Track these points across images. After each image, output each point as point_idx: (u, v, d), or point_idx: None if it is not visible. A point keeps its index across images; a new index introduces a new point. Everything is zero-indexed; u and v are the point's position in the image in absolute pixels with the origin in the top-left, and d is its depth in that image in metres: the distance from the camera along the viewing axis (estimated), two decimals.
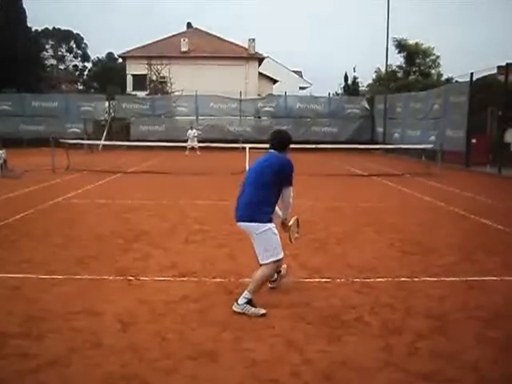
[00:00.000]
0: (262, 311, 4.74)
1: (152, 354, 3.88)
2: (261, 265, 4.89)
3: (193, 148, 25.63)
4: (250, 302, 4.78)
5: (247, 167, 16.22)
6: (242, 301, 4.77)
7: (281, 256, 4.91)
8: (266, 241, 4.80)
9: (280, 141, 5.10)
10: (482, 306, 4.98)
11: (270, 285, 5.32)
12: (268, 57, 44.27)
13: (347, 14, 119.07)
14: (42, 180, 14.38)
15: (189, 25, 47.48)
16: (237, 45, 41.20)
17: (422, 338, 4.21)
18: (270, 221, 4.88)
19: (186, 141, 26.04)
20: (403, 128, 27.53)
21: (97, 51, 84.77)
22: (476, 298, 5.21)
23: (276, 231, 4.89)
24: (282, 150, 5.04)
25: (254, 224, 4.81)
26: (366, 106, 33.04)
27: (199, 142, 25.83)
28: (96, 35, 79.53)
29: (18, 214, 9.29)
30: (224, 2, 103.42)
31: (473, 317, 4.69)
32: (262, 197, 4.84)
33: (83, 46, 59.56)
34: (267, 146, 5.13)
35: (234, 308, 4.79)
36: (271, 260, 4.81)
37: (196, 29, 44.82)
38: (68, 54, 59.24)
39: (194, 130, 27.41)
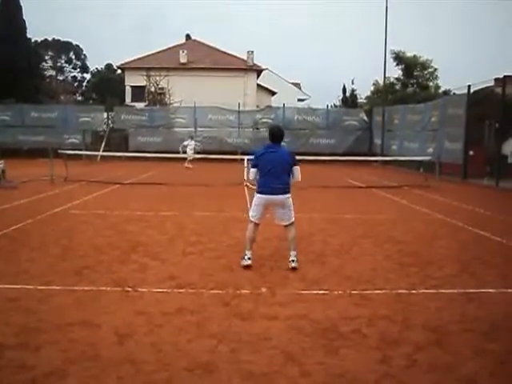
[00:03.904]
0: None
1: (148, 365, 3.86)
2: (289, 225, 6.72)
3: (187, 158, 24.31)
4: None
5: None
6: (295, 258, 6.55)
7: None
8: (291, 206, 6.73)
9: (282, 135, 6.82)
10: (480, 318, 4.98)
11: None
12: (267, 69, 44.49)
13: (346, 26, 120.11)
14: (41, 190, 14.39)
15: (188, 36, 47.79)
16: (235, 57, 41.38)
17: (420, 350, 4.20)
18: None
19: (184, 152, 24.23)
20: (401, 140, 27.63)
21: (96, 62, 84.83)
22: (474, 311, 5.21)
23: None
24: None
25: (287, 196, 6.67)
26: (364, 118, 33.19)
27: (197, 153, 25.44)
28: (95, 46, 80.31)
29: (15, 224, 9.28)
30: (223, 14, 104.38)
31: (471, 329, 4.68)
32: (288, 178, 6.68)
33: (82, 57, 59.96)
34: None
35: (295, 265, 6.48)
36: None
37: (195, 40, 45.07)
38: (67, 65, 59.64)
39: (193, 142, 25.52)
